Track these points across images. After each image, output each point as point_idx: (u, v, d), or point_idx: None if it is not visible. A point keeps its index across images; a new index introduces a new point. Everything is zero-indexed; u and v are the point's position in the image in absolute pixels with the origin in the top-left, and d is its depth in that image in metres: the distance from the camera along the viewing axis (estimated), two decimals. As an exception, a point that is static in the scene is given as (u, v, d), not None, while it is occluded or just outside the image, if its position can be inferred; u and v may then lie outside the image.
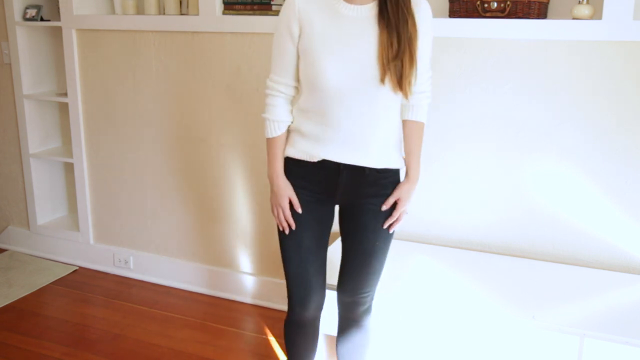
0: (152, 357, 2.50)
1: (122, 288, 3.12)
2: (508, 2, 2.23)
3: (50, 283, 3.15)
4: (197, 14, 2.76)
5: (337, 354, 2.01)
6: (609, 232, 2.28)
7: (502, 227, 2.42)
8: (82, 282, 3.18)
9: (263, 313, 2.85)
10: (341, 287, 1.87)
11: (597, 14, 2.17)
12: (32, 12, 3.15)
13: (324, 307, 1.90)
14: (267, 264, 2.89)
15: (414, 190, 1.79)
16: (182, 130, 2.92)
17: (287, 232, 1.77)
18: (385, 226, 1.78)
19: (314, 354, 2.00)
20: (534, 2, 2.20)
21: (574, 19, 2.17)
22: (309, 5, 1.65)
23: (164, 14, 2.88)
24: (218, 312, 2.87)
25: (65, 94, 3.20)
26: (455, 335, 2.02)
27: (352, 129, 1.67)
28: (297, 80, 1.74)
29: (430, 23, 1.70)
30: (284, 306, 2.84)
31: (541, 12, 2.24)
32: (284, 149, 1.77)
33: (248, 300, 2.94)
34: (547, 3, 2.28)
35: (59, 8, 3.03)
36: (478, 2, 2.27)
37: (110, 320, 2.79)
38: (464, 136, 2.41)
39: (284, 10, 1.68)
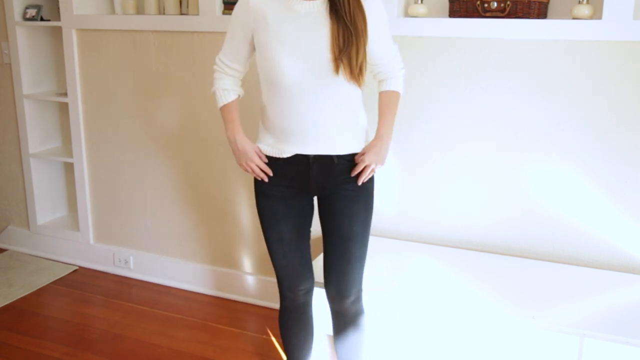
0: (152, 357, 2.50)
1: (122, 288, 3.12)
2: (508, 2, 2.23)
3: (50, 283, 3.15)
4: (197, 14, 2.76)
5: (335, 351, 2.03)
6: (609, 232, 2.28)
7: (502, 227, 2.42)
8: (82, 282, 3.18)
9: (263, 313, 2.85)
10: (327, 281, 1.92)
11: (597, 14, 2.17)
12: (32, 12, 3.16)
13: (313, 294, 1.99)
14: (267, 263, 2.89)
15: (382, 147, 1.82)
16: (182, 130, 2.92)
17: (266, 179, 1.83)
18: (353, 174, 1.81)
19: (310, 344, 2.06)
20: (534, 2, 2.20)
21: (574, 19, 2.17)
22: (263, 2, 1.72)
23: (164, 14, 2.88)
24: (218, 312, 2.87)
25: (65, 94, 3.20)
26: (455, 335, 2.02)
27: (315, 120, 1.74)
28: (244, 66, 1.85)
29: (381, 12, 1.78)
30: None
31: (541, 12, 2.24)
32: (238, 116, 1.86)
33: (248, 300, 2.94)
34: (547, 3, 2.28)
35: (59, 8, 3.03)
36: (478, 2, 2.27)
37: (110, 320, 2.79)
38: (464, 136, 2.41)
39: (238, 5, 1.77)
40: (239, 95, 1.89)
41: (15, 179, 3.47)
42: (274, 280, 2.87)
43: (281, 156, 1.80)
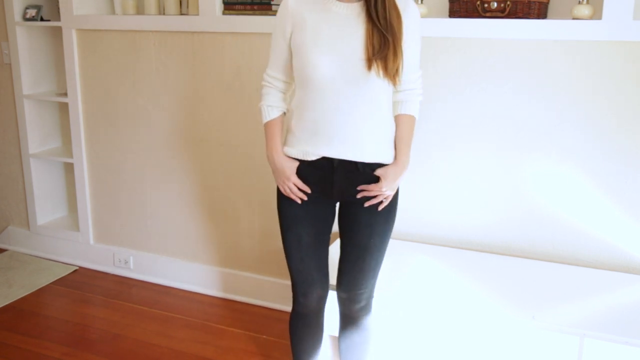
0: (152, 357, 2.50)
1: (122, 288, 3.12)
2: (508, 2, 2.23)
3: (50, 283, 3.15)
4: (197, 14, 2.76)
5: (339, 352, 2.03)
6: (609, 232, 2.28)
7: (502, 227, 2.42)
8: (82, 282, 3.18)
9: (263, 313, 2.85)
10: (338, 284, 1.92)
11: (597, 14, 2.17)
12: (32, 12, 3.15)
13: (326, 301, 1.95)
14: (267, 263, 2.89)
15: (400, 175, 1.81)
16: (182, 130, 2.92)
17: (300, 201, 1.81)
18: (360, 196, 1.79)
19: (318, 350, 2.03)
20: (534, 2, 2.20)
21: (574, 19, 2.17)
22: (302, 5, 1.74)
23: (164, 14, 2.88)
24: (218, 312, 2.87)
25: (65, 94, 3.20)
26: (456, 335, 2.02)
27: (344, 122, 1.72)
28: (289, 76, 1.83)
29: (418, 24, 1.77)
30: (284, 306, 2.84)
31: (541, 12, 2.24)
32: (282, 132, 1.85)
33: (248, 300, 2.94)
34: (547, 3, 2.28)
35: (59, 8, 3.03)
36: (478, 2, 2.27)
37: (110, 320, 2.79)
38: (464, 136, 2.41)
39: (279, 10, 1.79)
40: (284, 112, 1.87)
41: (15, 179, 3.47)
42: (274, 280, 2.87)
43: (306, 159, 1.78)
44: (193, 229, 3.03)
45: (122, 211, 3.20)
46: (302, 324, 1.98)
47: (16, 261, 3.40)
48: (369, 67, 1.67)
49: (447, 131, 2.43)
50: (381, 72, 1.68)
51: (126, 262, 3.23)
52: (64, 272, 3.27)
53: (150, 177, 3.07)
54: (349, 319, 1.96)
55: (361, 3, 1.72)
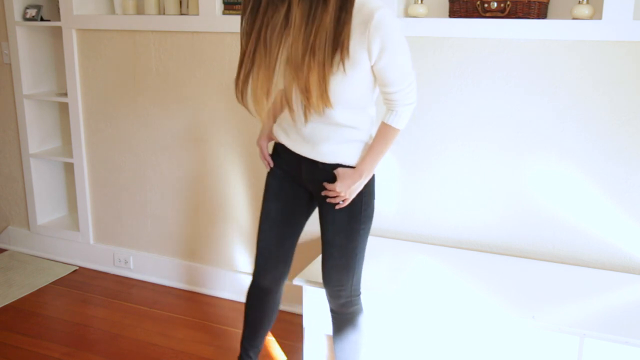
0: (152, 357, 2.50)
1: (122, 288, 3.12)
2: (508, 2, 2.23)
3: (50, 283, 3.15)
4: (197, 14, 2.76)
5: (334, 350, 2.05)
6: (609, 232, 2.28)
7: (502, 227, 2.42)
8: (82, 282, 3.18)
9: (263, 313, 2.85)
10: (322, 279, 1.94)
11: (597, 14, 2.17)
12: (32, 12, 3.15)
13: (283, 282, 2.01)
14: (267, 264, 2.89)
15: (356, 181, 1.77)
16: (182, 130, 2.92)
17: (268, 168, 1.94)
18: (323, 193, 1.82)
19: (268, 325, 2.09)
20: (534, 2, 2.20)
21: (574, 19, 2.17)
22: None
23: (164, 14, 2.88)
24: (218, 312, 2.87)
25: (65, 94, 3.20)
26: (455, 335, 2.02)
27: (302, 122, 1.75)
28: None
29: (388, 39, 1.62)
30: (283, 306, 2.84)
31: (541, 12, 2.24)
32: (271, 120, 1.95)
33: (248, 300, 2.94)
34: (547, 3, 2.28)
35: (59, 8, 3.03)
36: (478, 2, 2.27)
37: (110, 320, 2.79)
38: (464, 136, 2.41)
39: None
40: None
41: (15, 179, 3.47)
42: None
43: (280, 141, 1.88)
44: (193, 229, 3.03)
45: (122, 211, 3.20)
46: (255, 297, 2.03)
47: (16, 261, 3.40)
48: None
49: (447, 131, 2.43)
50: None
51: (126, 262, 3.23)
52: (64, 272, 3.27)
53: (150, 177, 3.07)
54: (337, 317, 1.98)
55: None
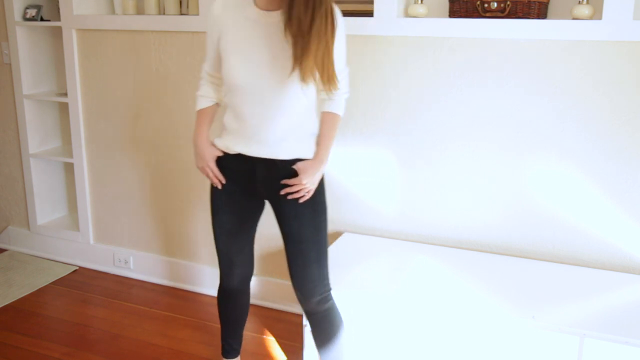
0: (152, 357, 2.50)
1: (122, 288, 3.12)
2: (508, 2, 2.23)
3: (50, 283, 3.15)
4: (197, 14, 2.76)
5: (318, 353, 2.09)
6: (609, 232, 2.28)
7: (502, 227, 2.42)
8: (82, 282, 3.18)
9: (262, 313, 2.85)
10: (292, 283, 1.97)
11: (597, 14, 2.17)
12: (32, 12, 3.15)
13: (250, 281, 2.13)
14: (267, 264, 2.89)
15: (318, 169, 1.87)
16: (182, 130, 2.92)
17: (219, 186, 1.95)
18: (283, 192, 1.87)
19: (242, 323, 2.23)
20: (534, 2, 2.20)
21: (574, 19, 2.17)
22: (226, 12, 1.84)
23: (164, 14, 2.88)
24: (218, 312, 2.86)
25: (65, 94, 3.20)
26: (455, 335, 2.02)
27: (261, 124, 1.82)
28: (221, 73, 1.91)
29: (340, 28, 1.78)
30: (283, 306, 2.84)
31: (541, 12, 2.24)
32: (210, 121, 2.00)
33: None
34: (547, 3, 2.28)
35: (59, 8, 3.03)
36: (478, 2, 2.27)
37: (110, 320, 2.79)
38: (464, 136, 2.41)
39: (208, 16, 1.90)
40: (217, 103, 1.99)
41: (15, 179, 3.47)
42: (274, 280, 2.88)
43: (228, 152, 1.91)
44: (193, 229, 3.03)
45: (122, 211, 3.20)
46: (226, 298, 2.15)
47: (16, 261, 3.40)
48: (290, 74, 1.72)
49: (447, 131, 2.43)
50: (306, 78, 1.71)
51: (126, 262, 3.23)
52: (64, 272, 3.27)
53: (150, 177, 3.07)
54: (313, 317, 2.00)
55: (280, 12, 1.74)
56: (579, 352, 1.87)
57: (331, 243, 2.57)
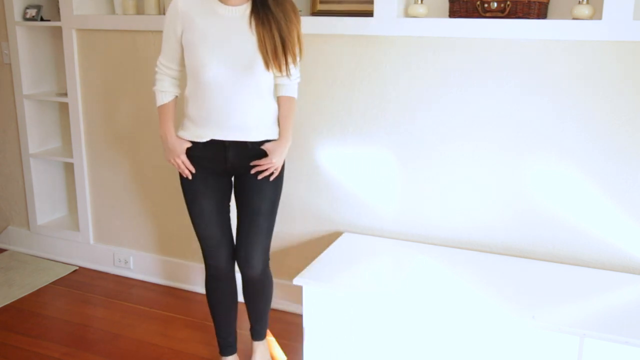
0: (152, 357, 2.50)
1: (122, 288, 3.12)
2: (508, 2, 2.23)
3: (50, 283, 3.15)
4: (197, 14, 2.75)
5: (248, 313, 2.34)
6: (609, 232, 2.28)
7: (502, 227, 2.42)
8: (82, 282, 3.18)
9: (263, 313, 2.85)
10: (237, 249, 2.18)
11: (597, 14, 2.17)
12: (32, 12, 3.15)
13: (234, 261, 2.23)
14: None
15: (285, 148, 2.09)
16: (182, 130, 2.92)
17: (190, 177, 2.10)
18: (253, 172, 2.07)
19: (235, 311, 2.34)
20: (534, 2, 2.20)
21: (574, 19, 2.17)
22: (190, 7, 1.96)
23: (164, 14, 2.88)
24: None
25: (65, 94, 3.19)
26: (455, 335, 2.02)
27: (230, 112, 1.99)
28: (181, 64, 2.06)
29: (295, 18, 1.97)
30: (283, 306, 2.84)
31: (541, 12, 2.24)
32: (174, 115, 2.12)
33: (248, 300, 2.94)
34: (547, 3, 2.28)
35: (59, 8, 3.03)
36: (478, 2, 2.27)
37: (110, 320, 2.79)
38: (464, 136, 2.41)
39: (169, 10, 2.00)
40: (176, 96, 2.12)
41: (15, 179, 3.47)
42: (274, 280, 2.87)
43: (200, 141, 2.04)
44: (193, 229, 3.03)
45: (122, 211, 3.20)
46: (217, 285, 2.25)
47: (16, 261, 3.40)
48: (256, 63, 1.93)
49: (447, 131, 2.43)
50: (271, 67, 1.94)
51: (126, 262, 3.23)
52: (64, 272, 3.27)
53: (150, 177, 3.07)
54: (254, 282, 2.22)
55: (245, 6, 1.94)
56: (579, 352, 1.86)
57: (331, 243, 2.57)
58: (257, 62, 1.94)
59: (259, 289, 2.26)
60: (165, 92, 2.08)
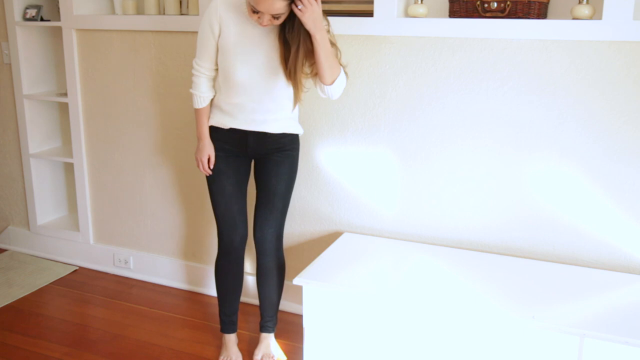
0: (152, 357, 2.50)
1: (122, 288, 3.12)
2: (508, 2, 2.23)
3: (50, 283, 3.15)
4: (197, 14, 2.76)
5: (257, 292, 2.47)
6: (609, 232, 2.28)
7: (502, 227, 2.42)
8: (82, 282, 3.18)
9: (263, 313, 2.85)
10: (255, 225, 2.36)
11: (597, 14, 2.17)
12: (32, 12, 3.15)
13: (246, 242, 2.41)
14: (267, 264, 2.88)
15: (319, 11, 1.97)
16: (182, 130, 2.92)
17: (209, 173, 2.31)
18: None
19: (240, 290, 2.48)
20: (534, 2, 2.20)
21: (574, 19, 2.17)
22: (228, 13, 2.11)
23: (164, 14, 2.88)
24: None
25: (65, 94, 3.20)
26: (455, 335, 2.02)
27: (252, 110, 2.19)
28: (216, 64, 2.20)
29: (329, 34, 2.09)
30: (283, 306, 2.84)
31: (541, 12, 2.24)
32: (209, 118, 2.29)
33: (248, 300, 2.93)
34: (547, 3, 2.28)
35: (59, 8, 3.03)
36: (478, 2, 2.27)
37: (110, 320, 2.79)
38: (464, 136, 2.41)
39: (208, 12, 2.13)
40: (211, 98, 2.27)
41: (15, 179, 3.47)
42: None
43: (223, 127, 2.25)
44: (193, 229, 3.03)
45: (122, 211, 3.20)
46: (227, 261, 2.40)
47: (16, 261, 3.40)
48: (279, 73, 2.11)
49: (447, 131, 2.43)
50: (291, 78, 2.10)
51: (126, 262, 3.23)
52: (64, 272, 3.27)
53: (150, 177, 3.07)
54: (270, 262, 2.37)
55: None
56: (579, 352, 1.87)
57: (331, 243, 2.57)
58: (280, 73, 2.13)
59: (272, 269, 2.39)
60: (203, 97, 2.25)
